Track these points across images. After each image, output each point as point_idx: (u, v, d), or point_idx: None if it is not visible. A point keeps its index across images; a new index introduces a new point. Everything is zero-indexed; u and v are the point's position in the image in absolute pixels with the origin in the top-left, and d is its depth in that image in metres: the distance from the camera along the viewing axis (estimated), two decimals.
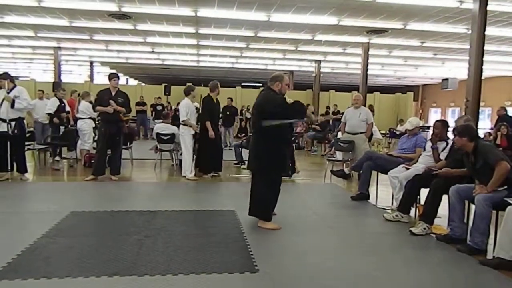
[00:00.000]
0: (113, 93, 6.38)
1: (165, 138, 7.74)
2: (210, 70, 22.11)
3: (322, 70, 18.83)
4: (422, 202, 4.42)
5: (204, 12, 10.16)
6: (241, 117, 17.76)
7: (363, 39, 13.09)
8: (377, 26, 11.13)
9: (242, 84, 22.98)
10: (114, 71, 25.06)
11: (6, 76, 6.11)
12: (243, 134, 15.07)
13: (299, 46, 14.56)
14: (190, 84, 8.00)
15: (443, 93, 18.53)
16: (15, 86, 6.13)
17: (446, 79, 13.04)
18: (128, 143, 8.06)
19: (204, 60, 19.37)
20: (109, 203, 5.04)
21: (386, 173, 5.15)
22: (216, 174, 7.11)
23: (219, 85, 7.11)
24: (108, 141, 6.43)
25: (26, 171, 6.36)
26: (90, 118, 7.85)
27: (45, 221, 4.08)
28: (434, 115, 25.55)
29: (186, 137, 6.83)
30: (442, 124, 4.88)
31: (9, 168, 6.20)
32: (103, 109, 6.31)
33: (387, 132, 15.19)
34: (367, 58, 14.22)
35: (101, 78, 23.90)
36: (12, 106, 5.95)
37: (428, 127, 16.29)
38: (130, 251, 3.39)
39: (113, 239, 3.69)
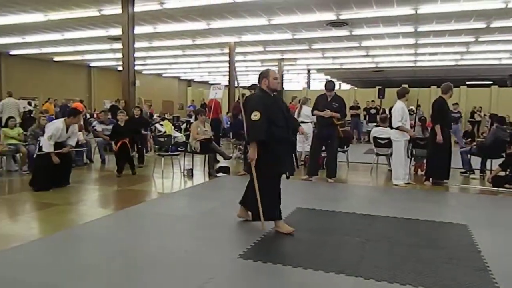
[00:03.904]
0: (329, 99, 6.69)
1: (382, 142, 7.58)
2: (428, 70, 20.54)
3: None
4: None
5: (426, 8, 9.51)
6: (471, 119, 15.72)
7: None
8: None
9: (467, 83, 20.36)
10: (328, 77, 26.32)
11: (255, 87, 7.19)
12: (469, 139, 13.31)
13: None
14: (405, 86, 7.58)
15: None
16: None
17: None
18: (345, 146, 8.25)
19: (422, 60, 18.12)
20: (329, 203, 5.25)
21: None
22: (441, 183, 6.51)
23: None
24: (321, 144, 6.76)
25: None
26: (311, 122, 8.37)
27: None
28: None
29: (399, 143, 6.53)
30: None
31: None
32: (319, 113, 6.72)
33: None
34: None
35: (317, 84, 25.38)
36: None
37: None
38: (353, 252, 3.45)
39: (336, 238, 3.82)
